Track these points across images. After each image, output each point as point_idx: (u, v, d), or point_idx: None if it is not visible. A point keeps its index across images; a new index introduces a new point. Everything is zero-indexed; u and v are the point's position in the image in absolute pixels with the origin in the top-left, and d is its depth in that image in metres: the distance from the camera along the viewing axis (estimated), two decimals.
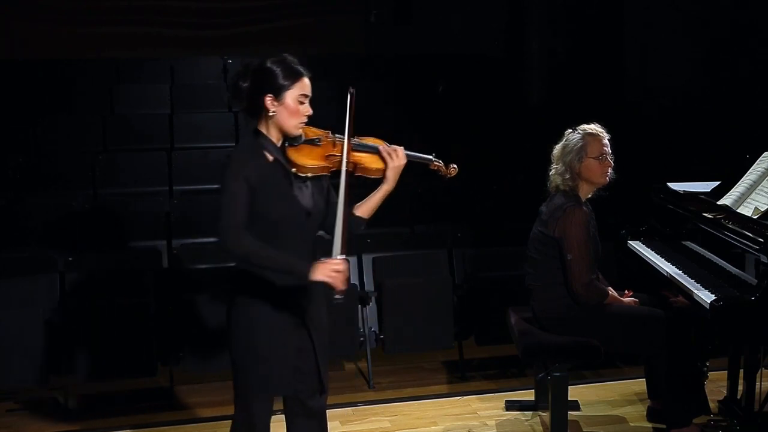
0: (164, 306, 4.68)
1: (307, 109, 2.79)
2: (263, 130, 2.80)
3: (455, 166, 3.04)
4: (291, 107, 2.75)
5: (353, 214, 2.93)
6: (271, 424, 2.96)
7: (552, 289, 3.67)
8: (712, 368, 4.05)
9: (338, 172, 2.79)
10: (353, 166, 2.84)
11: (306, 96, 2.78)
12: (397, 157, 2.89)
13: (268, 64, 2.77)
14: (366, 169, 2.88)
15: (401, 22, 9.09)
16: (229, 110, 7.34)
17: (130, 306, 4.53)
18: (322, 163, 2.79)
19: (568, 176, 3.65)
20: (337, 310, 4.61)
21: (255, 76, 2.78)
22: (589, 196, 3.73)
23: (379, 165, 2.89)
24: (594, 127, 3.70)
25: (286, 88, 2.75)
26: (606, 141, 3.67)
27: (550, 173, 3.74)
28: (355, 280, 5.01)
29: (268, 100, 2.75)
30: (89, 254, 5.20)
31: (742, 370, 3.79)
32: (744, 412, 3.69)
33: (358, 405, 4.41)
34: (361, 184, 3.00)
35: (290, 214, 2.77)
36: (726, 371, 4.01)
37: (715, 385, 4.19)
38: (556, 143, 3.77)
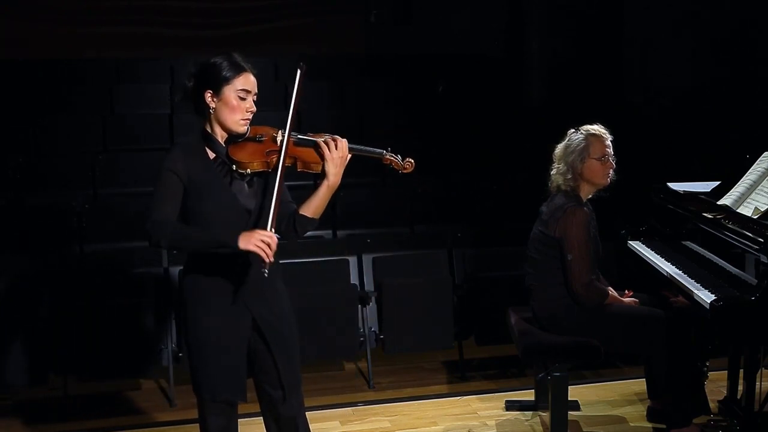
0: (164, 306, 4.67)
1: (249, 105, 2.74)
2: (208, 128, 2.78)
3: (411, 161, 2.87)
4: (230, 103, 2.71)
5: (299, 213, 2.82)
6: (251, 426, 2.91)
7: (552, 289, 3.67)
8: (712, 368, 4.05)
9: (291, 170, 2.74)
10: (293, 161, 2.76)
11: (247, 92, 2.73)
12: (336, 148, 2.73)
13: (210, 61, 2.74)
14: (307, 164, 2.77)
15: (401, 22, 9.09)
16: None
17: (130, 306, 4.53)
18: (261, 159, 2.72)
19: (569, 176, 3.65)
20: (337, 310, 4.66)
21: (197, 74, 2.75)
22: (590, 196, 3.73)
23: (320, 159, 2.76)
24: (597, 128, 3.69)
25: (225, 83, 2.71)
26: (609, 142, 3.67)
27: (552, 173, 3.73)
28: (355, 280, 5.01)
29: (208, 95, 2.73)
30: (89, 254, 5.21)
31: (742, 370, 3.79)
32: (744, 412, 3.69)
33: (358, 405, 4.41)
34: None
35: (226, 211, 2.73)
36: (726, 371, 4.01)
37: (715, 385, 4.19)
38: (557, 143, 3.77)
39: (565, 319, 3.66)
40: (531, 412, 4.24)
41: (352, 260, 5.05)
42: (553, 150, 3.77)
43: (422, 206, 6.02)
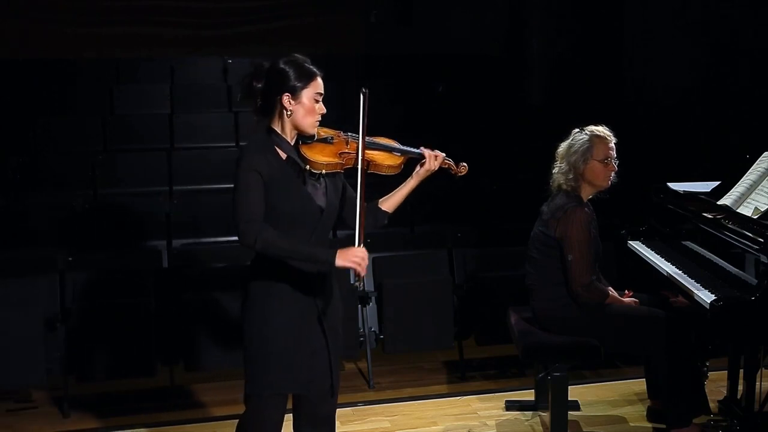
0: (164, 306, 4.67)
1: (321, 108, 2.86)
2: (277, 128, 2.85)
3: (465, 164, 3.08)
4: (307, 106, 2.82)
5: (378, 208, 3.02)
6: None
7: (552, 289, 3.67)
8: (712, 368, 4.05)
9: (353, 170, 2.86)
10: (366, 164, 2.89)
11: (320, 94, 2.85)
12: (437, 158, 2.97)
13: (282, 65, 2.83)
14: (378, 166, 2.94)
15: (401, 22, 9.09)
16: (229, 110, 7.35)
17: (130, 306, 4.53)
18: (335, 160, 2.85)
19: (571, 176, 3.65)
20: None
21: (270, 77, 2.83)
22: (591, 197, 3.73)
23: (391, 162, 2.95)
24: (602, 130, 3.68)
25: (303, 87, 2.81)
26: (612, 145, 3.66)
27: (553, 171, 3.73)
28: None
29: (286, 99, 2.80)
30: (89, 254, 5.20)
31: (742, 370, 3.79)
32: (744, 412, 3.69)
33: (358, 405, 4.41)
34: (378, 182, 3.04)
35: (303, 211, 2.81)
36: (726, 371, 4.01)
37: (715, 385, 4.19)
38: (557, 143, 3.76)
39: (565, 319, 3.66)
40: (531, 412, 4.24)
41: None
42: (554, 150, 3.77)
43: (422, 206, 6.02)
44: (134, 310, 4.52)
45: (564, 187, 3.68)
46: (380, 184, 3.09)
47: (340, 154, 2.87)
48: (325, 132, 2.92)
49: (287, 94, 2.80)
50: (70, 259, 4.80)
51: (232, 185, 2.78)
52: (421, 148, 3.01)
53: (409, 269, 5.03)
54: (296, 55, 2.88)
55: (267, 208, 2.77)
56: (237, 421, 3.01)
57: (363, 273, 2.76)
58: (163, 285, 4.82)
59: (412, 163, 3.03)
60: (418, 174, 3.00)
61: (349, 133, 2.93)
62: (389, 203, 3.05)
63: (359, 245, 2.78)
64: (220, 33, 8.61)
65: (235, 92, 7.57)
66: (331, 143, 2.89)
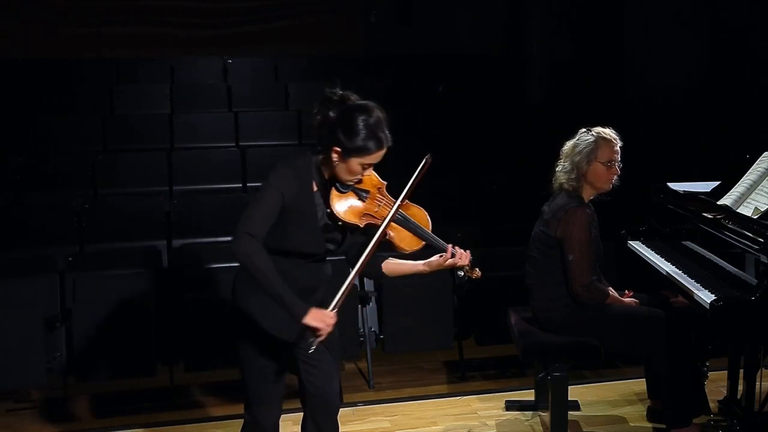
0: (164, 306, 4.68)
1: (365, 174, 2.77)
2: (320, 162, 2.78)
3: (479, 272, 3.09)
4: (352, 169, 2.72)
5: (379, 267, 2.97)
6: (283, 422, 2.97)
7: (552, 289, 3.67)
8: (712, 368, 4.05)
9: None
10: (384, 234, 2.80)
11: (371, 165, 2.74)
12: (460, 259, 2.99)
13: (358, 121, 2.67)
14: (393, 244, 2.87)
15: (402, 22, 9.09)
16: (229, 110, 7.36)
17: (130, 306, 4.53)
18: (355, 220, 2.78)
19: (573, 176, 3.64)
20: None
21: (341, 119, 2.69)
22: (592, 198, 3.72)
23: (407, 245, 2.89)
24: (609, 132, 3.67)
25: (358, 155, 2.68)
26: (617, 148, 3.65)
27: (557, 170, 3.72)
28: (355, 281, 5.00)
29: (335, 152, 2.69)
30: (89, 254, 5.21)
31: (742, 370, 3.79)
32: (744, 412, 3.69)
33: (358, 405, 4.41)
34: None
35: (308, 244, 2.77)
36: (726, 371, 4.01)
37: (715, 385, 4.19)
38: (557, 142, 3.76)
39: (566, 319, 3.66)
40: (531, 412, 4.24)
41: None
42: (554, 149, 3.76)
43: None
44: (134, 310, 4.52)
45: (566, 186, 3.67)
46: None
47: (363, 215, 2.79)
48: (369, 181, 2.81)
49: (339, 150, 2.68)
50: (70, 259, 4.80)
51: (257, 189, 2.73)
52: (448, 246, 2.97)
53: None
54: (378, 112, 2.71)
55: (278, 227, 2.71)
56: (237, 421, 3.02)
57: (321, 337, 2.68)
58: (163, 285, 4.82)
59: (430, 250, 2.96)
60: (431, 264, 2.97)
61: (383, 199, 2.82)
62: (391, 269, 3.00)
63: (333, 310, 2.70)
64: (220, 33, 8.61)
65: (235, 92, 7.59)
66: (363, 200, 2.79)
